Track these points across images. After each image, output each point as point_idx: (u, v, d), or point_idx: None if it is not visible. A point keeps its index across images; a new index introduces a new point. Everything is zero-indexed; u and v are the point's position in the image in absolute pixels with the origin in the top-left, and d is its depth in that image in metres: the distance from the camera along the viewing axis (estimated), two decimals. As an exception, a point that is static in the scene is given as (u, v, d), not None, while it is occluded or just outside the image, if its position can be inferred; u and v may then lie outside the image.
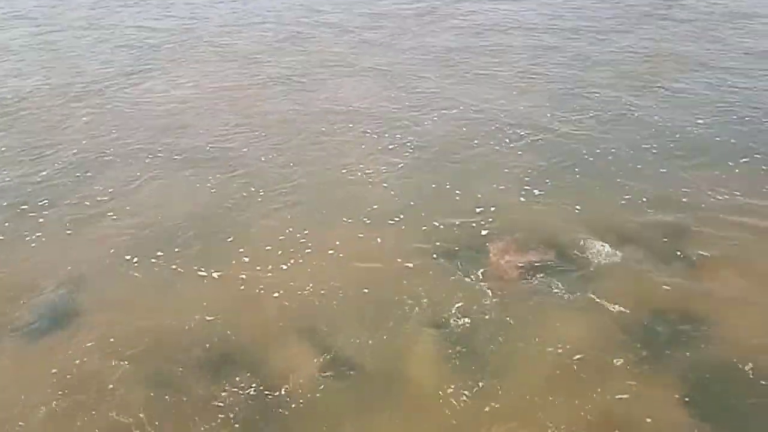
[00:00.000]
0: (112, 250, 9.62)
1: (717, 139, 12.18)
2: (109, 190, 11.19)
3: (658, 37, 17.73)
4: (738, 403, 6.90)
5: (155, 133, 13.30)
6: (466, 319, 8.02)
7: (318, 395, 7.15)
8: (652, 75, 15.33)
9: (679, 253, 9.11)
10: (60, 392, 7.28)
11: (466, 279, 8.71)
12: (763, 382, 7.08)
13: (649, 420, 6.71)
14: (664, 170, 11.22)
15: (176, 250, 9.56)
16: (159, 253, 9.48)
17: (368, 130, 13.12)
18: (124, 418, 6.94)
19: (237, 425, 6.84)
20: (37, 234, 10.07)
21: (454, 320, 8.02)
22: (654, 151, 11.87)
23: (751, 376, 7.14)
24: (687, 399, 6.94)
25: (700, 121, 12.89)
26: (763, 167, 11.16)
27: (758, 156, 11.50)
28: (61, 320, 8.36)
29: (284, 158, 12.13)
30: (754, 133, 12.38)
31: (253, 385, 7.25)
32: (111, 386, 7.32)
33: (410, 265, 9.06)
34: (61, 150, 12.56)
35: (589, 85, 14.97)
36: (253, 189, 11.09)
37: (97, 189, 11.22)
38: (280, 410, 6.98)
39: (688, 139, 12.24)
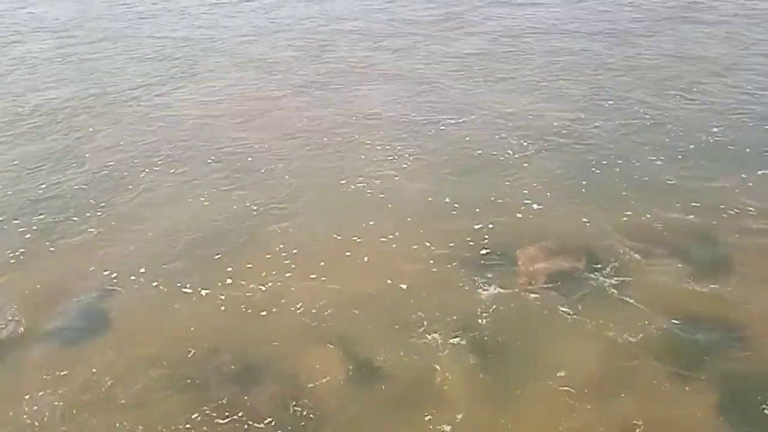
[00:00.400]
0: (132, 259, 9.62)
1: (731, 147, 11.81)
2: (134, 200, 11.22)
3: (677, 41, 17.28)
4: None
5: (181, 142, 13.30)
6: (493, 328, 7.91)
7: (343, 405, 7.09)
8: (670, 80, 14.94)
9: (710, 260, 8.92)
10: (76, 405, 7.24)
11: (494, 287, 8.57)
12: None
13: None
14: (693, 177, 10.96)
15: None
16: (181, 264, 9.48)
17: (395, 138, 12.97)
18: (152, 421, 6.96)
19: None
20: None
21: (481, 329, 7.90)
22: (679, 156, 11.62)
23: None
24: (722, 412, 6.72)
25: (715, 129, 12.49)
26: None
27: None
28: (92, 326, 8.42)
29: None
30: None
31: (279, 393, 7.21)
32: (140, 390, 7.36)
33: (437, 274, 8.95)
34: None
35: (606, 90, 14.67)
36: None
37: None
38: (306, 418, 6.92)
39: (703, 148, 11.89)
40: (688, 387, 7.01)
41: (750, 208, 10.00)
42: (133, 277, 9.25)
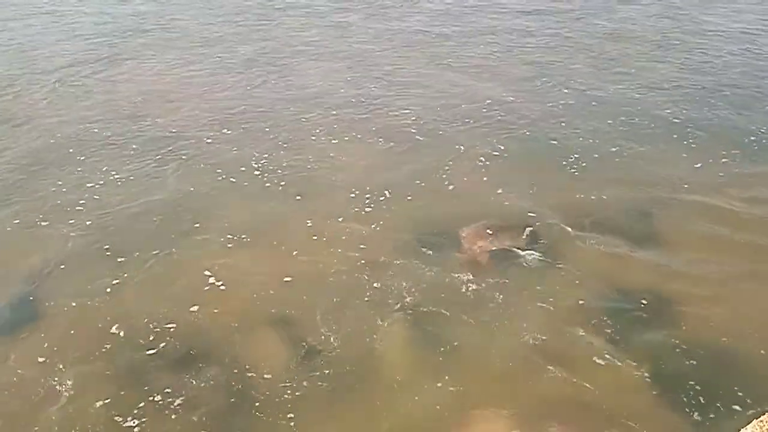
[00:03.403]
0: (70, 245, 9.22)
1: (670, 123, 12.09)
2: (67, 184, 10.68)
3: (617, 20, 17.66)
4: (704, 384, 6.74)
5: (116, 122, 12.78)
6: (436, 306, 7.87)
7: (288, 386, 6.93)
8: (610, 57, 15.25)
9: (646, 234, 9.10)
10: (25, 391, 6.96)
11: (436, 266, 8.52)
12: (730, 360, 7.00)
13: (615, 401, 6.59)
14: (628, 152, 11.18)
15: (139, 242, 9.21)
16: (122, 246, 9.14)
17: (337, 117, 12.81)
18: (93, 414, 6.64)
19: (206, 418, 6.61)
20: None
21: (424, 307, 7.87)
22: (615, 133, 11.81)
23: (718, 354, 7.08)
24: (654, 380, 6.82)
25: (655, 105, 12.78)
26: (716, 148, 11.17)
27: (711, 136, 11.54)
28: (21, 318, 7.97)
29: (251, 146, 11.74)
30: (711, 113, 12.34)
31: (223, 377, 7.02)
32: (76, 383, 7.01)
33: (379, 253, 8.83)
34: (15, 144, 12.01)
35: (547, 68, 14.81)
36: (218, 179, 10.73)
37: (53, 182, 10.71)
38: (250, 402, 6.76)
39: (650, 121, 12.17)
40: (621, 358, 7.10)
41: (685, 183, 10.23)
42: (66, 264, 8.86)
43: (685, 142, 11.36)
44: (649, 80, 13.91)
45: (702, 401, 6.53)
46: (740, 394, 6.50)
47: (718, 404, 6.47)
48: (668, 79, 13.94)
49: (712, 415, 6.34)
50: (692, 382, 6.75)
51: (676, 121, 12.09)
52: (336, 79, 14.63)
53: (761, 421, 4.08)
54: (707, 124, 11.97)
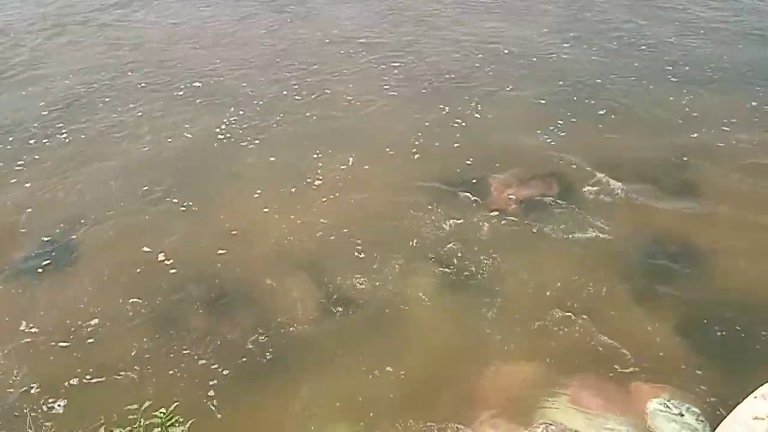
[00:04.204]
0: (102, 190, 9.33)
1: (707, 68, 11.82)
2: (91, 129, 10.72)
3: None
4: (732, 338, 6.76)
5: (143, 66, 12.75)
6: (463, 253, 7.90)
7: (316, 328, 7.10)
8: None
9: (678, 184, 9.02)
10: (60, 330, 7.14)
11: (464, 214, 8.52)
12: (758, 314, 6.97)
13: (641, 352, 6.63)
14: (666, 99, 10.97)
15: (165, 188, 9.27)
16: (151, 191, 9.23)
17: (364, 61, 12.69)
18: (126, 353, 6.84)
19: (237, 359, 6.78)
20: (24, 175, 9.65)
21: (451, 254, 7.90)
22: (653, 79, 11.60)
23: (746, 309, 7.05)
24: (680, 332, 6.85)
25: (702, 48, 12.53)
26: (754, 96, 10.91)
27: (748, 84, 11.27)
28: (55, 260, 8.11)
29: (277, 91, 11.69)
30: (751, 57, 12.11)
31: (252, 319, 7.17)
32: (110, 324, 7.21)
33: (407, 198, 8.87)
34: (41, 87, 12.04)
35: (584, 13, 14.47)
36: (243, 123, 10.72)
37: (78, 128, 10.72)
38: (279, 343, 6.92)
39: (690, 67, 11.92)
40: (649, 309, 7.12)
41: (722, 130, 10.02)
42: (98, 210, 8.97)
43: (727, 92, 11.07)
44: (691, 25, 13.61)
45: (728, 356, 6.53)
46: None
47: (745, 359, 6.47)
48: (714, 23, 13.60)
49: (737, 370, 6.30)
50: (719, 336, 6.76)
51: (718, 67, 11.81)
52: (363, 22, 14.50)
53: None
54: (745, 69, 11.69)
